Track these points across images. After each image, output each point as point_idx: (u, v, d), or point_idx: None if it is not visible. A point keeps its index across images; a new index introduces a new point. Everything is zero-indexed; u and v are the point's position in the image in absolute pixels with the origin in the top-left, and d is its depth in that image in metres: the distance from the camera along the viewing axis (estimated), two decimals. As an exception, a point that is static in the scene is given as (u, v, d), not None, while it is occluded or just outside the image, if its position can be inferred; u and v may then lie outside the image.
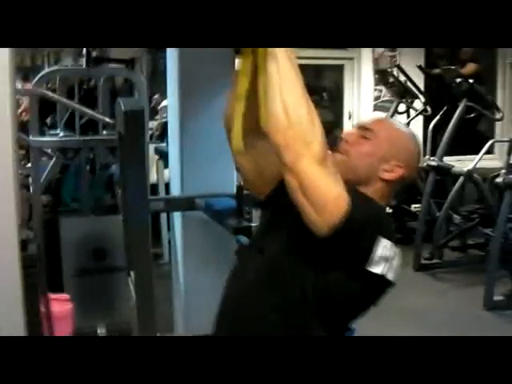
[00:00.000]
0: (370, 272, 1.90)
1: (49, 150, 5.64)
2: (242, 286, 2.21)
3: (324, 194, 1.79)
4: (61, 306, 1.82)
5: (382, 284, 1.98)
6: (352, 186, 1.98)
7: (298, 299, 2.00)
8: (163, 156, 7.09)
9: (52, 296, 1.85)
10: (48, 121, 7.31)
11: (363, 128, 2.15)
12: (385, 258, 1.91)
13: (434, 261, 7.06)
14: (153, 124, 8.14)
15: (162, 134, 7.26)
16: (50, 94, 4.19)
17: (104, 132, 5.12)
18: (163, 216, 6.88)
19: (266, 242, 2.18)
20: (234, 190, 4.24)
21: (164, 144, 7.07)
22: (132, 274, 3.94)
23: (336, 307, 2.02)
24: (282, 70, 1.80)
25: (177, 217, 4.59)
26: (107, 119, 3.48)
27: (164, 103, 8.00)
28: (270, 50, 1.82)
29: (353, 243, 1.88)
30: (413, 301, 5.97)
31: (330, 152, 1.92)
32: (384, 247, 1.91)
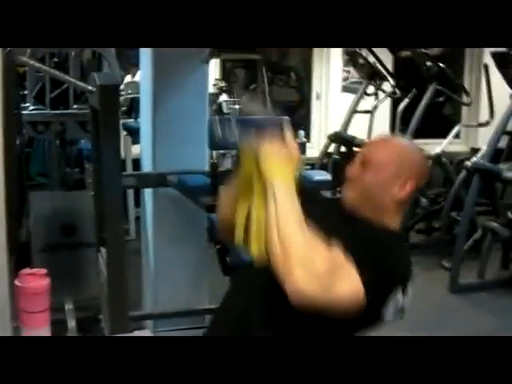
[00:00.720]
0: (382, 317, 1.95)
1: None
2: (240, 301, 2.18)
3: (340, 301, 1.80)
4: (38, 280, 1.79)
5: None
6: (366, 219, 2.04)
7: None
8: (131, 132, 7.05)
9: (28, 271, 1.81)
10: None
11: (363, 161, 2.15)
12: (396, 303, 1.94)
13: (400, 243, 7.08)
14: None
15: (129, 109, 7.18)
16: (31, 62, 4.11)
17: (74, 106, 5.06)
18: (130, 192, 6.84)
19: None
20: (207, 168, 4.23)
21: (131, 120, 7.01)
22: (102, 250, 3.92)
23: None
24: (279, 202, 1.83)
25: (148, 193, 4.56)
26: (89, 87, 3.42)
27: (128, 78, 7.93)
28: (269, 178, 1.87)
29: (371, 306, 1.87)
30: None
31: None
32: (397, 295, 1.94)
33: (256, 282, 2.11)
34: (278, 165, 1.88)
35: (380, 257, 1.95)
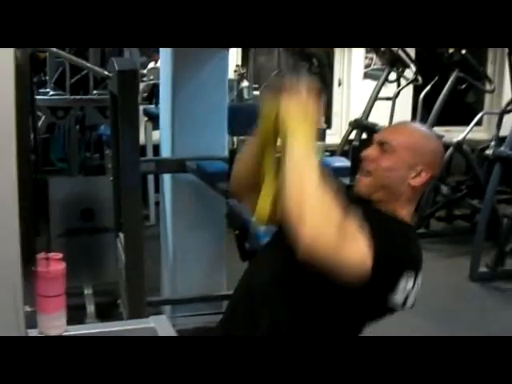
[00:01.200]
0: (390, 302, 1.93)
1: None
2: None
3: (346, 265, 1.80)
4: (54, 265, 1.79)
5: (397, 310, 1.99)
6: (379, 207, 2.04)
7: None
8: (151, 117, 7.06)
9: (44, 255, 1.81)
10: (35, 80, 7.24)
11: (380, 142, 2.12)
12: (406, 289, 1.92)
13: (421, 230, 7.06)
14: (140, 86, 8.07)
15: (150, 95, 7.19)
16: (54, 49, 4.13)
17: (94, 92, 5.07)
18: (150, 178, 6.86)
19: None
20: (226, 154, 4.22)
21: (152, 106, 7.02)
22: (120, 235, 3.93)
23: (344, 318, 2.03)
24: (298, 156, 1.83)
25: (167, 179, 4.56)
26: (107, 73, 3.43)
27: (151, 65, 7.95)
28: (289, 132, 1.86)
29: (378, 282, 1.87)
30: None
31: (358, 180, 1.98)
32: (408, 280, 1.92)
33: (271, 265, 2.12)
34: (299, 119, 1.86)
35: (393, 239, 1.95)
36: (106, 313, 4.64)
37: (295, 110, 1.88)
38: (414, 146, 2.10)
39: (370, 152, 2.12)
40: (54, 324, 1.85)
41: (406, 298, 1.93)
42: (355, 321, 2.06)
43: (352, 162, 4.23)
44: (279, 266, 2.08)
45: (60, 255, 1.87)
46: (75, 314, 1.97)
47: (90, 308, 4.58)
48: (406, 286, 1.91)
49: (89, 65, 4.40)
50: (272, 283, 2.08)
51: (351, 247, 1.78)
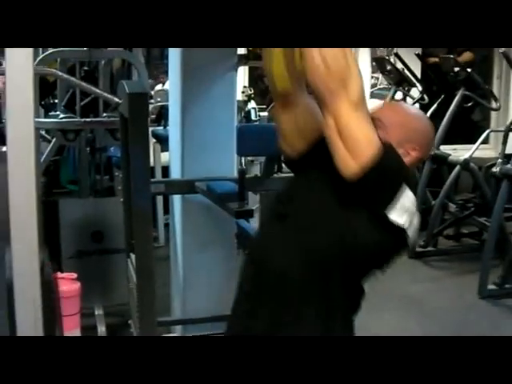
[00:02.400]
0: (391, 220, 1.93)
1: (43, 133, 5.65)
2: (266, 251, 2.19)
3: (357, 136, 1.84)
4: (69, 284, 1.83)
5: (400, 237, 1.99)
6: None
7: (324, 252, 2.02)
8: (160, 139, 7.11)
9: (59, 275, 1.85)
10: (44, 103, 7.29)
11: (372, 118, 2.10)
12: (407, 209, 1.94)
13: (429, 248, 7.09)
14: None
15: (158, 117, 7.26)
16: (59, 73, 4.17)
17: (104, 114, 5.11)
18: (159, 199, 6.89)
19: (291, 204, 2.18)
20: (235, 174, 4.25)
21: (160, 128, 7.08)
22: (131, 256, 3.95)
23: (358, 259, 2.04)
24: None
25: (176, 200, 4.59)
26: (116, 99, 3.47)
27: (159, 87, 8.00)
28: None
29: (379, 186, 1.91)
30: (407, 288, 6.01)
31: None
32: (408, 198, 1.94)
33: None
34: None
35: (396, 160, 1.99)
36: (116, 333, 4.66)
37: None
38: (405, 124, 2.13)
39: None
40: (70, 343, 1.88)
41: (406, 221, 1.94)
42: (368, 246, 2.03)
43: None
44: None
45: (74, 275, 1.91)
46: (86, 334, 2.00)
47: (101, 328, 4.59)
48: (405, 203, 1.93)
49: (97, 90, 4.44)
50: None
51: (366, 125, 1.88)
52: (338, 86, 1.81)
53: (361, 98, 1.85)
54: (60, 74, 4.09)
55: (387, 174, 1.91)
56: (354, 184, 1.87)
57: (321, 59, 1.80)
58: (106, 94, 4.25)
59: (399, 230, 1.95)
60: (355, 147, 1.84)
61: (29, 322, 1.53)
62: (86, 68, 5.32)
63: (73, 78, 4.41)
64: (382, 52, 9.03)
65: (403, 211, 1.93)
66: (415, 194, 2.00)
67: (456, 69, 6.96)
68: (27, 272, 1.50)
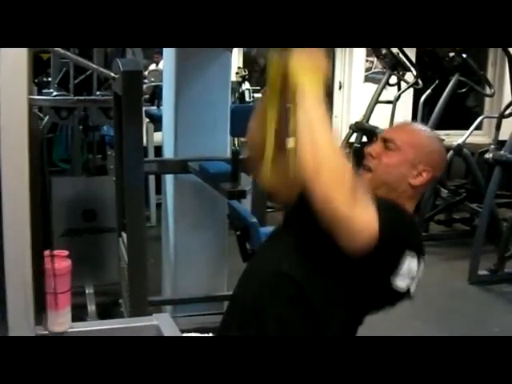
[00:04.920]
0: (394, 285, 1.93)
1: (36, 111, 5.62)
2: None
3: (354, 227, 1.77)
4: (61, 262, 1.82)
5: (402, 297, 2.00)
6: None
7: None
8: (153, 119, 7.10)
9: (50, 253, 1.84)
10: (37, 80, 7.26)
11: (384, 139, 2.13)
12: (410, 272, 1.93)
13: (420, 233, 7.10)
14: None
15: (152, 97, 7.24)
16: (61, 50, 4.16)
17: (98, 92, 5.09)
18: (151, 179, 6.88)
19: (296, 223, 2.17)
20: (228, 155, 4.25)
21: (154, 107, 7.06)
22: (123, 235, 3.96)
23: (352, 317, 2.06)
24: (310, 108, 1.82)
25: (169, 180, 4.59)
26: (113, 74, 3.46)
27: (152, 67, 7.98)
28: (299, 85, 1.84)
29: (381, 258, 1.87)
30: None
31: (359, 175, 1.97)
32: (411, 262, 1.93)
33: (280, 243, 2.15)
34: (308, 72, 1.85)
35: (399, 218, 1.98)
36: (107, 312, 4.66)
37: (305, 63, 1.86)
38: (418, 145, 2.11)
39: (374, 148, 2.14)
40: (60, 321, 1.87)
41: (410, 282, 1.95)
42: (362, 303, 2.04)
43: (353, 164, 4.25)
44: (287, 247, 2.09)
45: (66, 253, 1.89)
46: (76, 313, 1.99)
47: (92, 307, 4.60)
48: (410, 267, 1.92)
49: (94, 66, 4.42)
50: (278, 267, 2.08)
51: (362, 209, 1.77)
52: (331, 192, 1.75)
53: (354, 194, 1.77)
54: (56, 48, 4.07)
55: (387, 245, 1.85)
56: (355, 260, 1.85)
57: (315, 167, 1.76)
58: (101, 69, 4.24)
59: (399, 293, 1.97)
60: (353, 236, 1.78)
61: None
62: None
63: (69, 53, 4.37)
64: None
65: (405, 275, 1.93)
66: (420, 249, 1.99)
67: (451, 54, 6.94)
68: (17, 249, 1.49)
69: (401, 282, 1.93)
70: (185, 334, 2.12)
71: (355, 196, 1.76)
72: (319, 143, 1.78)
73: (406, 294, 1.98)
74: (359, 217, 1.77)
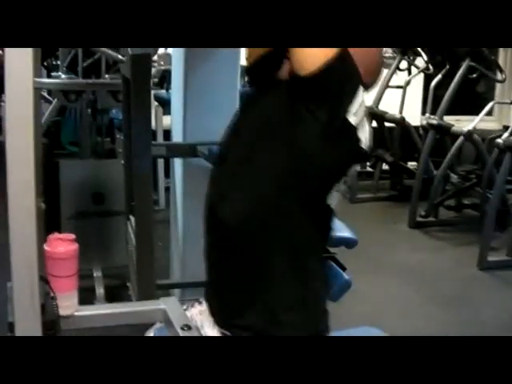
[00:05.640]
0: (349, 122, 1.88)
1: (45, 94, 5.62)
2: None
3: (312, 51, 1.81)
4: (66, 245, 1.81)
5: (353, 143, 1.93)
6: None
7: (274, 183, 1.98)
8: (162, 103, 7.08)
9: (57, 236, 1.84)
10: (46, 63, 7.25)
11: None
12: (361, 106, 1.91)
13: (430, 219, 7.08)
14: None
15: (161, 81, 7.21)
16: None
17: (106, 76, 5.08)
18: (160, 163, 6.88)
19: (230, 147, 2.28)
20: (237, 139, 4.22)
21: (163, 91, 7.04)
22: (131, 218, 3.95)
23: (314, 180, 1.96)
24: None
25: (178, 164, 4.58)
26: (121, 57, 3.44)
27: (161, 51, 7.94)
28: None
29: (342, 83, 1.87)
30: (407, 257, 6.00)
31: None
32: (362, 96, 1.92)
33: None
34: None
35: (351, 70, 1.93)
36: (115, 295, 4.67)
37: None
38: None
39: None
40: (66, 304, 1.87)
41: (360, 122, 1.91)
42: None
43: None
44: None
45: (72, 236, 1.89)
46: (84, 296, 1.99)
47: (100, 290, 4.60)
48: (361, 101, 1.91)
49: (103, 49, 4.41)
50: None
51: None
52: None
53: None
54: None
55: (348, 70, 1.88)
56: (312, 84, 1.84)
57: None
58: (110, 52, 4.22)
59: (351, 136, 1.91)
60: (314, 52, 1.81)
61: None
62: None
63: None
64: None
65: (360, 107, 1.90)
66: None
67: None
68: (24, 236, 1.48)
69: (355, 114, 1.88)
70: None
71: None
72: None
73: (356, 136, 1.91)
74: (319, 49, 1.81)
